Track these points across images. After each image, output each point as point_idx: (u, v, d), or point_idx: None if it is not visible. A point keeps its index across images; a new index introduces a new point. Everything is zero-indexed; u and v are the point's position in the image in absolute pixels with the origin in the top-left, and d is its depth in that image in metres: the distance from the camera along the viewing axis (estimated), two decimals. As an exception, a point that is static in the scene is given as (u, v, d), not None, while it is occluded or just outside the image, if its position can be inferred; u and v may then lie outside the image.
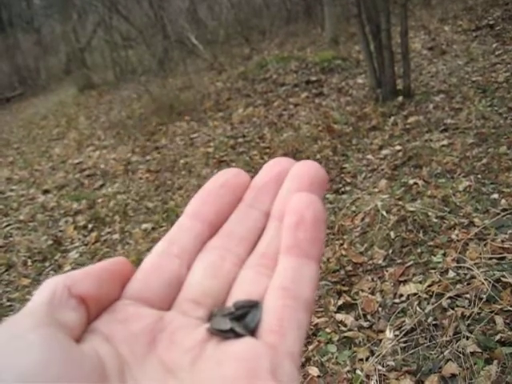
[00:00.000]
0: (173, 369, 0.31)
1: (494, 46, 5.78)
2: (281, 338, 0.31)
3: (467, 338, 1.92)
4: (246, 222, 0.39)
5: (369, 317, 2.26)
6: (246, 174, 0.42)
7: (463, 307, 2.10)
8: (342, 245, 2.81)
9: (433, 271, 2.37)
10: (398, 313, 2.19)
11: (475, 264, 2.28)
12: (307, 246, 0.34)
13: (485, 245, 2.43)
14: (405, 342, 2.03)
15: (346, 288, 2.47)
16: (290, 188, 0.38)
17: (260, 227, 0.39)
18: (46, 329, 0.29)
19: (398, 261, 2.56)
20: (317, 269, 0.35)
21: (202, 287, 0.36)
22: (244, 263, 0.37)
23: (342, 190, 3.53)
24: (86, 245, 3.81)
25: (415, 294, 2.26)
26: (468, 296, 2.14)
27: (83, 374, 0.28)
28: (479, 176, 3.11)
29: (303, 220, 0.34)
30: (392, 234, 2.74)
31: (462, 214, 2.76)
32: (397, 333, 2.07)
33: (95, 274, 0.33)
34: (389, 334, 2.07)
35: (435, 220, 2.75)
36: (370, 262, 2.62)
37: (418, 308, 2.17)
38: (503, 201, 2.79)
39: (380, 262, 2.59)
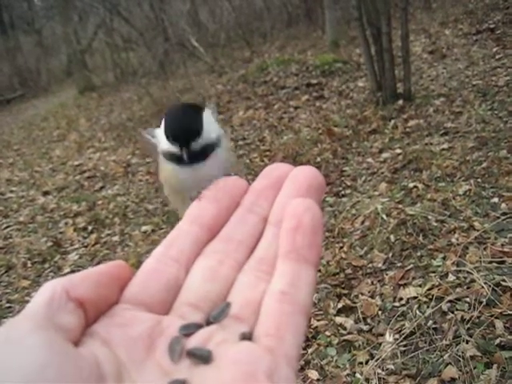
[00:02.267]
0: (171, 373, 0.31)
1: (495, 49, 5.78)
2: (278, 341, 0.31)
3: (467, 342, 1.91)
4: (245, 227, 0.39)
5: (368, 320, 2.25)
6: (244, 179, 0.42)
7: (463, 311, 2.09)
8: (341, 248, 2.81)
9: (433, 275, 2.37)
10: (398, 316, 2.18)
11: (475, 268, 2.28)
12: (305, 251, 0.34)
13: (485, 249, 2.43)
14: (404, 345, 2.02)
15: (345, 291, 2.47)
16: (288, 193, 0.38)
17: (258, 232, 0.39)
18: (45, 332, 0.29)
19: (398, 264, 2.55)
20: (315, 273, 0.35)
21: (200, 291, 0.36)
22: (242, 268, 0.37)
23: (342, 193, 3.53)
24: (86, 247, 3.81)
25: (415, 298, 2.26)
26: (468, 300, 2.14)
27: (81, 377, 0.28)
28: (479, 180, 3.11)
29: (301, 225, 0.35)
30: (392, 237, 2.73)
31: (461, 218, 2.76)
32: (396, 336, 2.07)
33: (93, 277, 0.34)
34: (388, 337, 2.07)
35: (435, 224, 2.75)
36: (370, 265, 2.61)
37: (417, 311, 2.16)
38: (503, 205, 2.78)
39: (380, 265, 2.59)
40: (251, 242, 0.38)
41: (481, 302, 2.07)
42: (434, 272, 2.39)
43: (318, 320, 2.32)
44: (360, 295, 2.41)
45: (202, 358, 0.31)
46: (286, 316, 0.32)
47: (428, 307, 2.16)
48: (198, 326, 0.33)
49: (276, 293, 0.34)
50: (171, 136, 0.60)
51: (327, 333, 2.23)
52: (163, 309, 0.35)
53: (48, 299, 0.31)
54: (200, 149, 0.61)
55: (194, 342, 0.33)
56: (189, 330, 0.33)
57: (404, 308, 2.23)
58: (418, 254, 2.56)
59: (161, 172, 0.69)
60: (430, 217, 2.79)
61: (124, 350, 0.31)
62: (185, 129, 0.60)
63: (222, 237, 0.39)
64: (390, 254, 2.64)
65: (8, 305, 3.20)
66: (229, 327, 0.34)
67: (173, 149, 0.61)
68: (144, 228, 3.84)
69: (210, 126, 0.63)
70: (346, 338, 2.18)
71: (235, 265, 0.37)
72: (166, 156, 0.64)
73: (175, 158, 0.62)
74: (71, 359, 0.28)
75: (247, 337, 0.32)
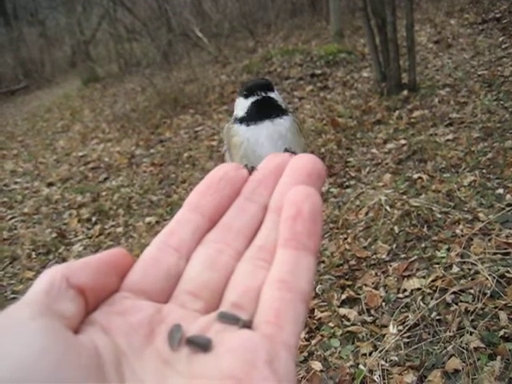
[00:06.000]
0: (170, 361, 0.31)
1: (501, 39, 5.74)
2: (278, 329, 0.31)
3: (471, 334, 1.91)
4: (244, 216, 0.39)
5: (372, 311, 2.25)
6: (246, 168, 0.42)
7: (467, 302, 2.09)
8: (345, 239, 2.81)
9: (437, 266, 2.36)
10: (402, 308, 2.18)
11: (479, 259, 2.27)
12: (304, 239, 0.34)
13: (489, 240, 2.42)
14: (408, 337, 2.02)
15: (349, 282, 2.47)
16: (288, 181, 0.38)
17: (258, 220, 0.39)
18: (44, 319, 0.29)
19: (402, 255, 2.55)
20: (314, 261, 0.35)
21: (200, 280, 0.36)
22: (242, 256, 0.37)
23: (347, 184, 3.52)
24: (90, 238, 3.82)
25: (419, 289, 2.25)
26: (472, 291, 2.13)
27: (80, 364, 0.28)
28: (484, 171, 3.09)
29: (300, 213, 0.34)
30: (396, 228, 2.73)
31: (466, 209, 2.75)
32: (400, 328, 2.07)
33: (94, 265, 0.34)
34: (392, 328, 2.07)
35: (439, 215, 2.74)
36: (374, 256, 2.61)
37: (421, 303, 2.16)
38: (508, 196, 2.77)
39: (384, 256, 2.59)
40: (251, 231, 0.39)
41: (485, 294, 2.07)
42: (438, 263, 2.39)
43: (322, 311, 2.33)
44: (364, 286, 2.41)
45: (202, 345, 0.31)
46: (285, 304, 0.32)
47: (432, 299, 2.16)
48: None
49: (275, 281, 0.34)
50: (246, 88, 0.77)
51: (331, 324, 2.23)
52: (163, 297, 0.35)
53: (48, 286, 0.31)
54: (268, 104, 0.75)
55: (193, 329, 0.33)
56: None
57: (408, 299, 2.22)
58: (422, 245, 2.56)
59: (231, 141, 0.80)
60: (434, 208, 2.78)
61: (124, 337, 0.31)
62: (258, 82, 0.78)
63: (222, 226, 0.39)
64: (394, 246, 2.64)
65: (13, 296, 3.22)
66: (229, 315, 0.34)
67: (245, 104, 0.77)
68: (148, 219, 3.85)
69: (281, 98, 0.77)
70: (349, 329, 2.18)
71: (235, 253, 0.37)
72: (237, 121, 0.77)
73: (244, 119, 0.76)
74: (70, 346, 0.28)
75: (247, 325, 0.32)
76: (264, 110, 0.75)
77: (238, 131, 0.77)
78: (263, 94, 0.76)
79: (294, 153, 0.48)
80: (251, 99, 0.76)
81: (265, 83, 0.77)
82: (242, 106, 0.78)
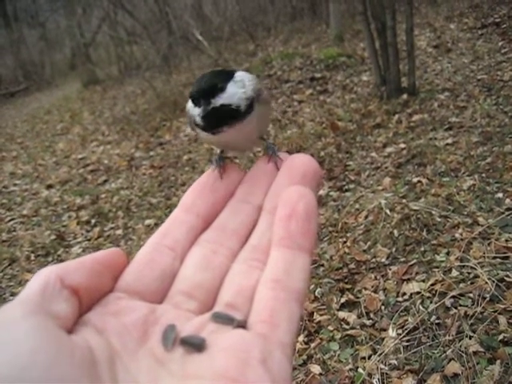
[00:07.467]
0: (164, 361, 0.31)
1: (500, 44, 5.75)
2: (272, 328, 0.31)
3: (470, 338, 1.91)
4: (239, 216, 0.39)
5: (371, 315, 2.25)
6: (240, 169, 0.43)
7: (466, 306, 2.09)
8: (345, 242, 2.80)
9: (436, 270, 2.36)
10: (401, 311, 2.18)
11: (479, 263, 2.27)
12: (299, 238, 0.34)
13: (489, 244, 2.42)
14: (407, 340, 2.02)
15: (348, 286, 2.47)
16: (282, 182, 0.38)
17: (252, 221, 0.39)
18: (37, 318, 0.29)
19: (402, 259, 2.55)
20: (309, 260, 0.35)
21: (195, 280, 0.36)
22: (236, 256, 0.37)
23: (346, 187, 3.52)
24: (89, 240, 3.82)
25: (418, 293, 2.25)
26: (471, 295, 2.13)
27: (73, 363, 0.28)
28: (483, 175, 3.09)
29: (295, 212, 0.34)
30: (395, 232, 2.73)
31: (465, 213, 2.75)
32: (399, 331, 2.06)
33: (88, 265, 0.33)
34: (391, 332, 2.07)
35: (439, 219, 2.74)
36: (374, 260, 2.60)
37: (420, 307, 2.16)
38: (507, 200, 2.77)
39: (383, 260, 2.58)
40: (245, 231, 0.39)
41: (484, 298, 2.06)
42: (437, 267, 2.38)
43: (321, 315, 2.32)
44: (363, 290, 2.40)
45: (196, 345, 0.31)
46: (279, 303, 0.32)
47: (431, 302, 2.16)
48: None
49: (269, 280, 0.34)
50: (190, 95, 0.59)
51: (330, 327, 2.23)
52: (157, 297, 0.35)
53: (42, 286, 0.31)
54: (222, 111, 0.57)
55: (187, 330, 0.33)
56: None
57: (407, 303, 2.22)
58: (422, 249, 2.56)
59: (203, 139, 0.68)
60: (433, 212, 2.78)
61: (117, 338, 0.31)
62: (202, 87, 0.58)
63: (216, 226, 0.39)
64: (394, 249, 2.64)
65: (11, 298, 3.20)
66: (223, 315, 0.34)
67: (194, 111, 0.59)
68: (147, 221, 3.84)
69: (239, 89, 0.59)
70: (348, 332, 2.17)
71: (229, 254, 0.37)
72: (192, 123, 0.62)
73: (199, 124, 0.59)
74: (63, 345, 0.28)
75: (241, 324, 0.32)
76: (219, 120, 0.58)
77: (204, 138, 0.64)
78: (211, 105, 0.58)
79: (286, 152, 0.47)
80: (200, 110, 0.59)
81: (208, 87, 0.59)
82: (195, 112, 0.61)
